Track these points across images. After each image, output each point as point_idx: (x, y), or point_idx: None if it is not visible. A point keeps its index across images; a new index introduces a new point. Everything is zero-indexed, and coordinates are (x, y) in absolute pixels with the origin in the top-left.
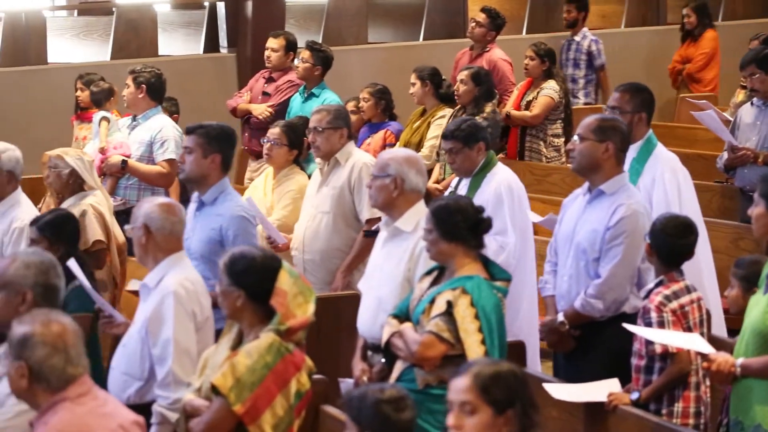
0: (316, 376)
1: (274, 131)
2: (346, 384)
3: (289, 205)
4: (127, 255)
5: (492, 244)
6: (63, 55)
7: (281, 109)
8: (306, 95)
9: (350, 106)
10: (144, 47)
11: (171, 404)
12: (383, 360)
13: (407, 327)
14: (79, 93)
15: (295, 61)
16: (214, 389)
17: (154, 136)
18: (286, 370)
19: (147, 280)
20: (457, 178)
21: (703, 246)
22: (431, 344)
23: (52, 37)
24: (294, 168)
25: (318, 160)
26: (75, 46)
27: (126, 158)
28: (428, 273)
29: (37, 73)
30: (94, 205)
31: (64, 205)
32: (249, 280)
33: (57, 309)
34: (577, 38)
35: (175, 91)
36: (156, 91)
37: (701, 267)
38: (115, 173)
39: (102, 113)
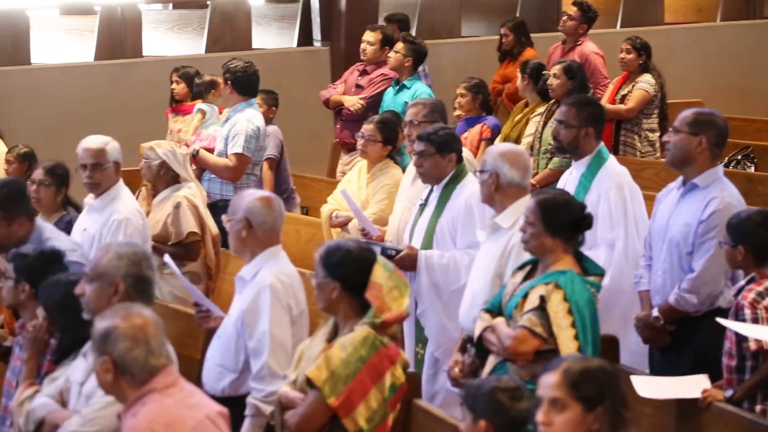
0: (410, 370)
1: (369, 127)
2: (445, 375)
3: (384, 199)
4: (220, 246)
5: (464, 258)
6: (158, 48)
7: (373, 102)
8: (398, 87)
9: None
10: (238, 40)
11: (265, 397)
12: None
13: (500, 322)
14: (174, 86)
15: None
16: (309, 382)
17: (230, 130)
18: (380, 363)
19: (243, 272)
20: (428, 189)
21: None
22: (524, 339)
23: (148, 30)
24: (388, 162)
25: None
26: (170, 39)
27: (200, 149)
28: (521, 267)
29: (132, 66)
30: (189, 197)
31: (159, 197)
32: (344, 272)
33: (149, 300)
34: None
35: (268, 84)
36: (243, 86)
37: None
38: (192, 164)
39: (201, 105)
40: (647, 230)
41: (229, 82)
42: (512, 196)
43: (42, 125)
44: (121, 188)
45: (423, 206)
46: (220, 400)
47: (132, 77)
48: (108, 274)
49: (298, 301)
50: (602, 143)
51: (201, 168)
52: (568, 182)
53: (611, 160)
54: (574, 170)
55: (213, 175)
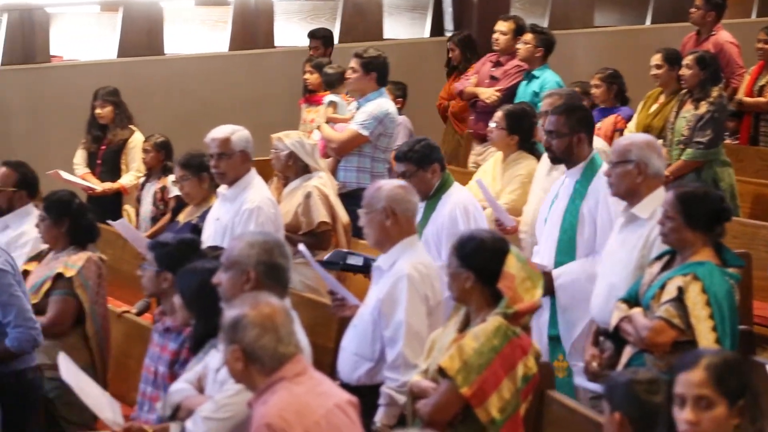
0: (542, 360)
1: (498, 114)
2: (577, 369)
3: (517, 189)
4: (351, 236)
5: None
6: (290, 38)
7: (509, 94)
8: (528, 78)
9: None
10: (370, 30)
11: (399, 387)
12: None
13: (637, 312)
14: (307, 76)
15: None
16: (441, 371)
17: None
18: (513, 353)
19: (381, 262)
20: (560, 180)
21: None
22: (661, 330)
23: (280, 20)
24: (522, 153)
25: None
26: (302, 30)
27: (321, 124)
28: (658, 258)
29: (265, 56)
30: (319, 187)
31: (289, 186)
32: (478, 262)
33: (284, 288)
34: None
35: (400, 75)
36: (379, 75)
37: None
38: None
39: (331, 97)
40: None
41: (367, 69)
42: (652, 187)
43: (176, 115)
44: (253, 177)
45: None
46: (356, 388)
47: (265, 67)
48: (240, 262)
49: (435, 291)
50: (595, 151)
51: (336, 159)
52: (561, 190)
53: (605, 166)
54: (567, 178)
55: (349, 165)
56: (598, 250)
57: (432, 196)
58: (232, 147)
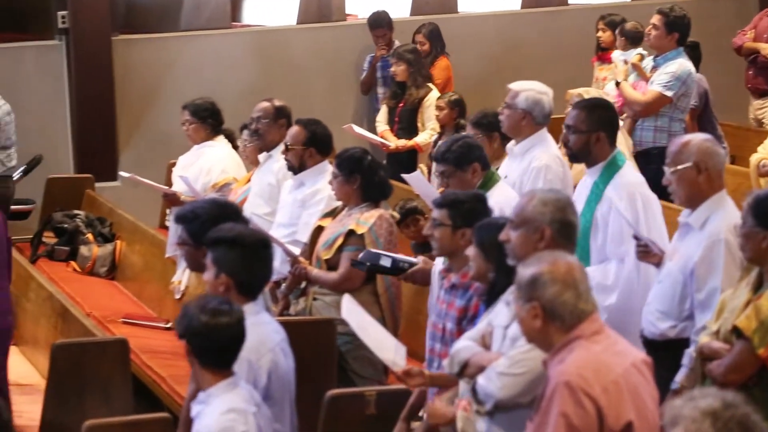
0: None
1: None
2: None
3: None
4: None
5: None
6: None
7: None
8: None
9: None
10: None
11: None
12: None
13: None
14: (600, 33)
15: None
16: (737, 332)
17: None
18: None
19: (690, 219)
20: None
21: None
22: None
23: None
24: None
25: None
26: None
27: (621, 81)
28: None
29: (558, 13)
30: None
31: None
32: None
33: (573, 245)
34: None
35: (694, 32)
36: (681, 35)
37: None
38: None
39: (640, 50)
40: (663, 242)
41: (669, 28)
42: None
43: (472, 72)
44: (544, 135)
45: None
46: (658, 344)
47: (558, 25)
48: (534, 220)
49: None
50: (618, 149)
51: (634, 118)
52: (581, 191)
53: (626, 168)
54: (587, 177)
55: (646, 124)
56: (610, 257)
57: None
58: (516, 102)
